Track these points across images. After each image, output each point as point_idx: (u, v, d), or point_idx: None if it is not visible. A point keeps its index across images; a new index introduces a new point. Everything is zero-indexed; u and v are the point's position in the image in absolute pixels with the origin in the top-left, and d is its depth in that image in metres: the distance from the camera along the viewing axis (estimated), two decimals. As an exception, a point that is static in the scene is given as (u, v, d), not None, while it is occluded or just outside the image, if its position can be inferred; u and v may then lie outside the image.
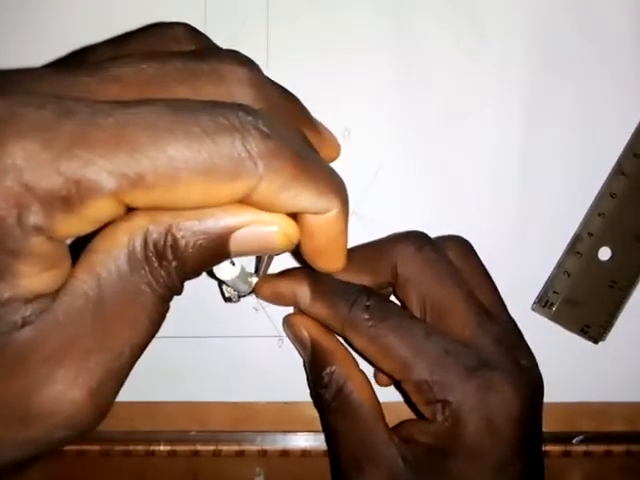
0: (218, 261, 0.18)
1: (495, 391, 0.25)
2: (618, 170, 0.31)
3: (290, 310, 0.31)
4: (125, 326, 0.17)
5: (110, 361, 0.17)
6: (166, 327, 0.30)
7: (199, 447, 0.32)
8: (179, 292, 0.18)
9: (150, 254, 0.17)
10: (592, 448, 0.32)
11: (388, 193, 0.31)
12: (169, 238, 0.17)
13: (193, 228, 0.17)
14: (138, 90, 0.17)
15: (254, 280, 0.28)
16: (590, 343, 0.31)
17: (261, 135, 0.16)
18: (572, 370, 0.31)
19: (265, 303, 0.31)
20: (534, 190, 0.31)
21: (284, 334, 0.31)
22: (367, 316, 0.26)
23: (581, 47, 0.31)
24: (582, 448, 0.32)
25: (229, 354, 0.31)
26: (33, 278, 0.15)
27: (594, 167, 0.31)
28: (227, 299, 0.29)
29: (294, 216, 0.18)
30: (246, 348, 0.31)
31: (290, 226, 0.18)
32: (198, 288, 0.31)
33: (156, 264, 0.17)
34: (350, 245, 0.29)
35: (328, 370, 0.27)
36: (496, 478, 0.25)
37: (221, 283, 0.28)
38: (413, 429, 0.26)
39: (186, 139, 0.15)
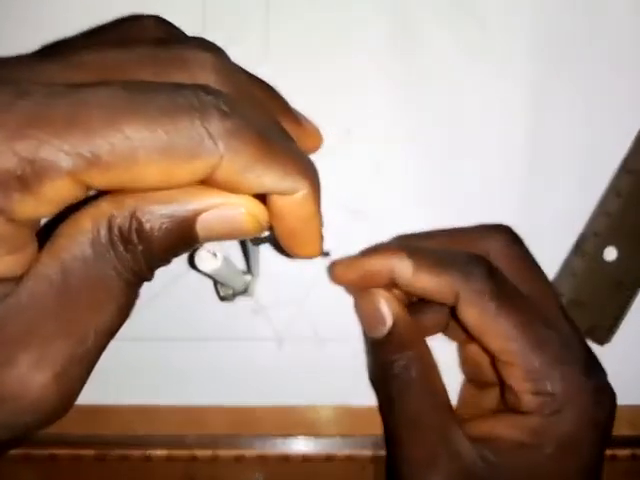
0: (187, 246, 0.18)
1: (605, 393, 0.25)
2: (624, 169, 0.31)
3: (290, 313, 0.30)
4: (90, 311, 0.17)
5: (74, 346, 0.17)
6: (164, 330, 0.30)
7: (197, 452, 0.31)
8: (148, 278, 0.18)
9: (115, 238, 0.17)
10: (597, 452, 0.32)
11: (388, 192, 0.31)
12: (134, 222, 0.17)
13: (158, 211, 0.17)
14: (100, 75, 0.17)
15: (248, 278, 0.28)
16: (596, 345, 0.31)
17: (221, 114, 0.16)
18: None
19: (264, 305, 0.31)
20: (539, 190, 0.31)
21: (284, 336, 0.31)
22: (488, 288, 0.25)
23: (585, 44, 0.31)
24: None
25: (228, 357, 0.31)
26: None
27: (600, 166, 0.31)
28: (222, 298, 0.28)
29: (264, 199, 0.18)
30: (245, 351, 0.31)
31: (257, 207, 0.18)
32: (196, 291, 0.31)
33: (121, 248, 0.17)
34: (349, 245, 0.30)
35: (410, 353, 0.26)
36: (582, 476, 0.25)
37: (216, 282, 0.28)
38: (495, 425, 0.26)
39: (143, 118, 0.15)
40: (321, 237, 0.21)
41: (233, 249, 0.30)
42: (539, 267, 0.27)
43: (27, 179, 0.15)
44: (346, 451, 0.31)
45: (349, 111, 0.31)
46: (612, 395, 0.26)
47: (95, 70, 0.17)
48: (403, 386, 0.26)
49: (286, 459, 0.31)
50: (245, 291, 0.28)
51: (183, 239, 0.17)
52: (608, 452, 0.31)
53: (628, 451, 0.32)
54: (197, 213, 0.17)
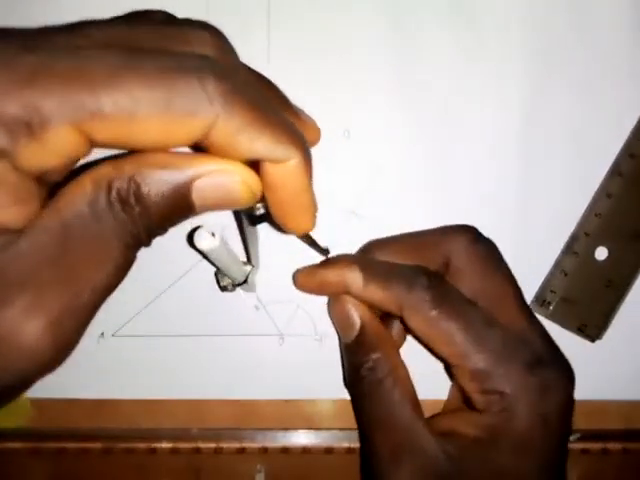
0: (183, 213, 0.19)
1: (549, 388, 0.25)
2: (615, 170, 0.31)
3: (291, 310, 0.31)
4: (88, 267, 0.18)
5: (70, 297, 0.17)
6: (167, 325, 0.31)
7: (201, 444, 0.32)
8: (145, 243, 0.19)
9: (113, 199, 0.17)
10: (589, 446, 0.32)
11: (387, 193, 0.32)
12: (132, 185, 0.17)
13: (155, 176, 0.17)
14: (105, 44, 0.18)
15: (248, 269, 0.28)
16: (587, 342, 0.31)
17: (217, 77, 0.17)
18: (569, 368, 0.31)
19: (266, 302, 0.31)
20: (532, 190, 0.32)
21: (285, 332, 0.31)
22: (428, 298, 0.25)
23: (579, 48, 0.32)
24: (579, 446, 0.32)
25: (230, 352, 0.31)
26: (0, 209, 0.16)
27: (591, 167, 0.32)
28: (223, 288, 0.29)
29: (257, 170, 0.19)
30: (247, 346, 0.31)
31: (251, 176, 0.19)
32: (199, 288, 0.31)
33: (119, 209, 0.17)
34: (350, 244, 0.30)
35: (375, 356, 0.27)
36: (541, 473, 0.25)
37: (217, 272, 0.29)
38: (457, 421, 0.26)
39: (144, 76, 0.16)
40: (313, 210, 0.21)
41: (233, 241, 0.31)
42: (501, 265, 0.27)
43: (33, 125, 0.16)
44: (345, 444, 0.32)
45: (348, 112, 0.31)
46: (563, 391, 0.26)
47: (99, 40, 0.18)
48: (370, 387, 0.27)
49: (286, 451, 0.32)
50: (245, 282, 0.28)
51: (179, 205, 0.18)
52: (600, 446, 0.32)
53: (620, 445, 0.32)
54: (193, 178, 0.18)
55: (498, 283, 0.27)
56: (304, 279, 0.29)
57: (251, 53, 0.31)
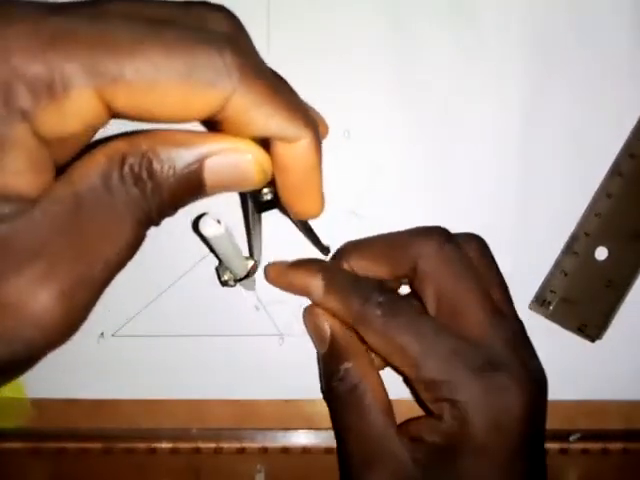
0: (194, 192, 0.19)
1: (501, 391, 0.25)
2: (615, 170, 0.31)
3: (291, 310, 0.31)
4: (99, 240, 0.18)
5: (81, 269, 0.17)
6: (168, 325, 0.31)
7: (200, 444, 0.32)
8: (156, 221, 0.19)
9: (126, 175, 0.17)
10: (589, 446, 0.32)
11: (387, 193, 0.32)
12: (145, 160, 0.17)
13: (168, 153, 0.18)
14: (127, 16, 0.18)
15: (250, 263, 0.28)
16: (587, 342, 0.31)
17: (236, 50, 0.17)
18: (569, 368, 0.31)
19: (266, 302, 0.31)
20: (532, 190, 0.32)
21: (285, 332, 0.31)
22: (379, 312, 0.26)
23: (579, 48, 0.32)
24: (579, 446, 0.32)
25: (230, 352, 0.31)
26: (16, 176, 0.16)
27: (591, 167, 0.32)
28: (224, 283, 0.29)
29: (267, 151, 0.19)
30: (247, 346, 0.31)
31: (263, 155, 0.19)
32: (200, 288, 0.31)
33: (131, 184, 0.17)
34: (344, 242, 0.30)
35: (345, 365, 0.27)
36: (503, 476, 0.25)
37: (218, 266, 0.29)
38: (422, 427, 0.26)
39: (165, 45, 0.16)
40: (322, 194, 0.21)
41: (237, 232, 0.30)
42: (468, 268, 0.27)
43: (55, 87, 0.16)
44: (345, 443, 0.32)
45: (348, 112, 0.31)
46: (519, 392, 0.25)
47: (121, 13, 0.18)
48: (341, 396, 0.27)
49: (286, 451, 0.32)
50: (247, 277, 0.28)
51: (191, 184, 0.18)
52: (600, 446, 0.32)
53: (620, 445, 0.32)
54: (205, 156, 0.18)
55: (462, 287, 0.26)
56: (274, 275, 0.30)
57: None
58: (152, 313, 0.31)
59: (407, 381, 0.28)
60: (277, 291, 0.31)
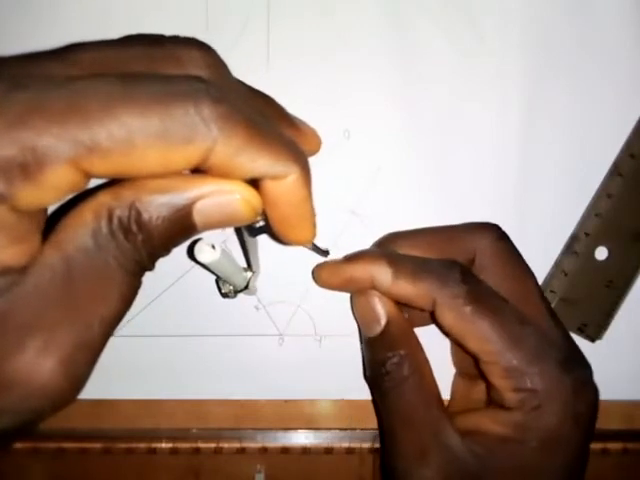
0: (186, 235, 0.18)
1: (583, 387, 0.25)
2: (615, 171, 0.31)
3: (291, 310, 0.31)
4: (94, 300, 0.17)
5: (80, 333, 0.17)
6: (167, 325, 0.31)
7: (200, 444, 0.32)
8: (149, 267, 0.19)
9: (115, 229, 0.17)
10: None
11: (387, 193, 0.32)
12: (133, 212, 0.17)
13: (156, 201, 0.17)
14: (95, 71, 0.17)
15: (248, 275, 0.28)
16: (587, 342, 0.31)
17: (212, 100, 0.16)
18: (569, 368, 0.31)
19: (266, 302, 0.31)
20: (532, 190, 0.32)
21: (285, 332, 0.31)
22: (463, 293, 0.25)
23: (578, 49, 0.32)
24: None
25: (230, 352, 0.31)
26: (1, 250, 0.16)
27: (591, 168, 0.32)
28: (224, 295, 0.29)
29: (256, 187, 0.19)
30: (247, 346, 0.31)
31: (251, 193, 0.18)
32: (199, 289, 0.31)
33: (122, 238, 0.17)
34: (350, 244, 0.30)
35: (402, 352, 0.27)
36: (566, 472, 0.25)
37: (218, 279, 0.29)
38: (481, 419, 0.26)
39: (138, 105, 0.16)
40: (314, 222, 0.21)
41: (233, 245, 0.31)
42: (524, 263, 0.28)
43: (29, 166, 0.15)
44: (345, 443, 0.32)
45: (348, 112, 0.31)
46: (594, 390, 0.26)
47: (90, 66, 0.18)
48: (395, 383, 0.26)
49: (286, 451, 0.32)
50: (246, 288, 0.28)
51: (181, 227, 0.18)
52: (600, 446, 0.32)
53: (620, 445, 0.32)
54: (194, 200, 0.18)
55: (523, 282, 0.27)
56: (327, 275, 0.29)
57: (251, 53, 0.31)
58: (152, 313, 0.31)
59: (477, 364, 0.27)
60: (277, 291, 0.31)
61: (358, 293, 0.28)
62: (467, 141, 0.32)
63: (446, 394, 0.31)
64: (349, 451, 0.32)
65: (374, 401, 0.29)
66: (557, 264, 0.32)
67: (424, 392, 0.26)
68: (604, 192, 0.31)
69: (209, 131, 0.16)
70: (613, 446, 0.32)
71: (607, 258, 0.31)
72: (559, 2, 0.32)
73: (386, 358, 0.27)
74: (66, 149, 0.15)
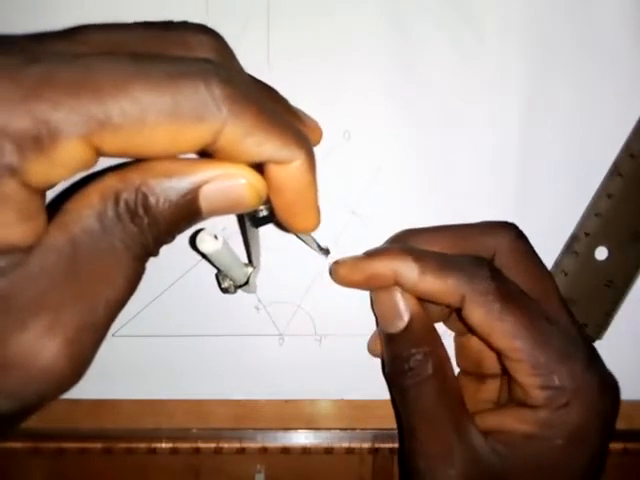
0: (191, 220, 0.18)
1: (610, 385, 0.26)
2: (614, 171, 0.31)
3: (291, 310, 0.31)
4: (99, 282, 0.17)
5: (85, 315, 0.17)
6: (167, 325, 0.31)
7: (200, 444, 0.32)
8: (154, 253, 0.19)
9: (122, 212, 0.17)
10: (589, 446, 0.32)
11: (387, 193, 0.32)
12: (139, 196, 0.17)
13: (162, 185, 0.17)
14: (105, 50, 0.17)
15: (249, 270, 0.28)
16: (587, 342, 0.31)
17: (223, 81, 0.17)
18: (569, 368, 0.31)
19: (266, 302, 0.31)
20: (531, 190, 0.32)
21: (285, 332, 0.31)
22: (492, 289, 0.25)
23: (578, 49, 0.32)
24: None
25: (230, 352, 0.31)
26: (8, 228, 0.16)
27: (591, 168, 0.32)
28: (224, 290, 0.29)
29: (261, 173, 0.19)
30: (247, 346, 0.31)
31: (257, 179, 0.18)
32: (199, 289, 0.31)
33: (128, 221, 0.17)
34: (348, 245, 0.30)
35: (426, 349, 0.26)
36: (590, 469, 0.25)
37: (218, 273, 0.29)
38: (504, 418, 0.26)
39: (150, 82, 0.16)
40: (318, 209, 0.21)
41: (235, 240, 0.31)
42: (542, 263, 0.28)
43: (42, 140, 0.15)
44: (345, 443, 0.32)
45: (348, 112, 0.31)
46: (616, 387, 0.26)
47: (98, 46, 0.18)
48: (418, 380, 0.26)
49: (286, 451, 0.32)
50: (246, 283, 0.28)
51: (187, 212, 0.18)
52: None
53: (620, 445, 0.32)
54: (200, 184, 0.18)
55: (542, 281, 0.27)
56: (347, 271, 0.28)
57: (251, 53, 0.31)
58: (152, 313, 0.31)
59: (500, 362, 0.27)
60: (277, 291, 0.31)
61: (379, 290, 0.28)
62: (467, 141, 0.32)
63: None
64: (349, 451, 0.32)
65: (393, 399, 0.29)
66: (557, 264, 0.32)
67: (447, 390, 0.26)
68: (604, 192, 0.31)
69: (219, 111, 0.16)
70: (613, 446, 0.32)
71: (607, 258, 0.31)
72: (559, 2, 0.32)
73: (409, 355, 0.26)
74: (79, 123, 0.15)
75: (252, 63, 0.31)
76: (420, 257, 0.26)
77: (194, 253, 0.31)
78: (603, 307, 0.31)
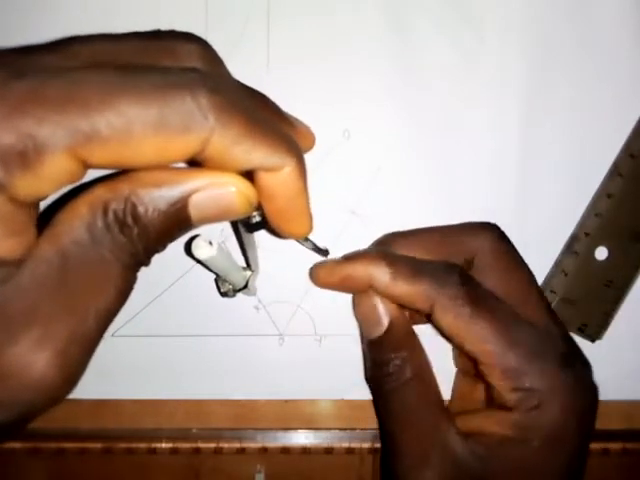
0: (181, 229, 0.18)
1: (584, 385, 0.25)
2: (614, 171, 0.31)
3: (291, 310, 0.31)
4: (89, 293, 0.17)
5: (75, 326, 0.17)
6: (167, 325, 0.31)
7: (200, 444, 0.32)
8: (145, 262, 0.19)
9: (111, 222, 0.17)
10: (589, 446, 0.32)
11: (387, 193, 0.32)
12: (128, 205, 0.17)
13: (151, 194, 0.17)
14: (94, 63, 0.17)
15: (248, 274, 0.28)
16: (587, 342, 0.31)
17: (210, 90, 0.17)
18: (569, 368, 0.31)
19: (266, 302, 0.31)
20: (531, 190, 0.32)
21: (285, 332, 0.31)
22: (461, 294, 0.25)
23: (578, 49, 0.32)
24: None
25: (230, 352, 0.31)
26: None
27: (591, 168, 0.32)
28: (223, 294, 0.29)
29: (251, 180, 0.19)
30: (247, 346, 0.31)
31: (246, 186, 0.18)
32: (199, 289, 0.31)
33: (117, 231, 0.17)
34: (350, 244, 0.30)
35: (404, 353, 0.27)
36: (569, 469, 0.25)
37: (217, 278, 0.29)
38: (482, 420, 0.26)
39: (136, 95, 0.16)
40: (310, 215, 0.21)
41: (232, 245, 0.31)
42: (524, 263, 0.28)
43: (28, 155, 0.15)
44: (345, 443, 0.32)
45: (348, 112, 0.31)
46: (593, 387, 0.26)
47: (87, 58, 0.18)
48: (397, 384, 0.26)
49: (286, 451, 0.32)
50: (245, 287, 0.28)
51: (177, 221, 0.18)
52: (600, 446, 0.32)
53: (620, 445, 0.32)
54: (189, 193, 0.18)
55: (521, 282, 0.27)
56: (325, 274, 0.28)
57: (251, 53, 0.31)
58: (152, 313, 0.31)
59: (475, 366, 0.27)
60: (277, 291, 0.31)
61: (359, 294, 0.28)
62: (467, 140, 0.32)
63: (446, 394, 0.30)
64: (349, 451, 0.32)
65: (374, 403, 0.29)
66: (557, 264, 0.32)
67: (426, 394, 0.26)
68: (604, 192, 0.31)
69: (206, 121, 0.16)
70: (613, 446, 0.32)
71: (607, 258, 0.31)
72: (559, 2, 0.32)
73: (388, 360, 0.27)
74: (65, 137, 0.15)
75: (252, 63, 0.31)
76: (393, 262, 0.26)
77: (194, 253, 0.31)
78: (603, 307, 0.31)
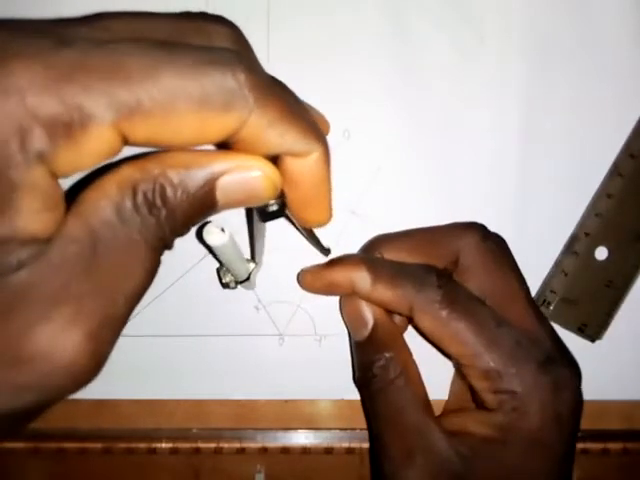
0: (207, 212, 0.18)
1: (563, 386, 0.25)
2: (615, 171, 0.31)
3: (291, 310, 0.31)
4: (119, 274, 0.17)
5: (106, 307, 0.17)
6: (167, 325, 0.31)
7: (200, 444, 0.32)
8: (169, 245, 0.18)
9: (140, 203, 0.17)
10: (589, 446, 0.32)
11: (387, 193, 0.32)
12: (157, 187, 0.17)
13: (180, 176, 0.17)
14: (131, 39, 0.17)
15: (251, 266, 0.28)
16: (587, 342, 0.31)
17: (249, 70, 0.17)
18: (569, 368, 0.31)
19: (266, 302, 0.31)
20: (531, 190, 0.32)
21: (285, 332, 0.31)
22: (439, 297, 0.25)
23: (578, 50, 0.32)
24: (579, 446, 0.32)
25: (230, 352, 0.31)
26: (31, 217, 0.15)
27: (591, 168, 0.32)
28: (225, 285, 0.29)
29: (275, 164, 0.19)
30: (247, 346, 0.31)
31: (273, 171, 0.18)
32: (200, 287, 0.31)
33: (146, 213, 0.17)
34: (350, 244, 0.30)
35: (388, 355, 0.27)
36: (552, 471, 0.25)
37: (220, 267, 0.29)
38: (466, 420, 0.26)
39: (179, 70, 0.16)
40: (331, 204, 0.21)
41: (239, 236, 0.31)
42: (510, 263, 0.28)
43: (73, 126, 0.15)
44: (345, 443, 0.32)
45: (348, 112, 0.31)
46: (575, 389, 0.26)
47: (120, 34, 0.17)
48: (382, 385, 0.27)
49: (286, 451, 0.32)
50: (247, 279, 0.28)
51: (204, 204, 0.18)
52: (600, 446, 0.32)
53: (620, 445, 0.32)
54: (217, 176, 0.17)
55: (507, 281, 0.27)
56: (310, 279, 0.29)
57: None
58: (152, 313, 0.31)
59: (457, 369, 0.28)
60: (277, 291, 0.31)
61: (346, 297, 0.29)
62: (467, 141, 0.32)
63: (445, 394, 0.31)
64: (349, 451, 0.32)
65: (362, 404, 0.29)
66: (557, 264, 0.32)
67: (410, 394, 0.26)
68: (604, 192, 0.31)
69: (246, 101, 0.16)
70: (613, 446, 0.32)
71: (607, 258, 0.31)
72: (559, 2, 0.32)
73: (373, 361, 0.27)
74: (111, 110, 0.15)
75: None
76: (373, 267, 0.27)
77: (194, 253, 0.31)
78: (603, 307, 0.31)
